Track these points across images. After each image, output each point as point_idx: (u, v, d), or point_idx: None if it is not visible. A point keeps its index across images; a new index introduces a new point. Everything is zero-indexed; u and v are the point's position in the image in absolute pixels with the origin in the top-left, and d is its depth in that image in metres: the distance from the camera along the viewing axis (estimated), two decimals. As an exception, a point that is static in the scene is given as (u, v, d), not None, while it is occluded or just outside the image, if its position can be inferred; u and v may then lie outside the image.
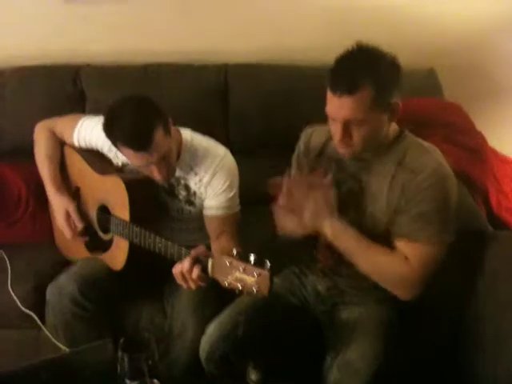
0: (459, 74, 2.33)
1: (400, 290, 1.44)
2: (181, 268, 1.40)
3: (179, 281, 1.43)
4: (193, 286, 1.41)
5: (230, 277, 1.30)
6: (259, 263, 1.26)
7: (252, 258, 1.27)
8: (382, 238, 1.44)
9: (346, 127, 1.34)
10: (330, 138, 1.55)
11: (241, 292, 1.30)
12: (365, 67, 1.31)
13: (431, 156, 1.42)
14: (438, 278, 1.41)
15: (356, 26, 2.24)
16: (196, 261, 1.39)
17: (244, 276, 1.27)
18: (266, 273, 1.24)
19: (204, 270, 1.37)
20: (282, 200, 1.45)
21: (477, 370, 1.51)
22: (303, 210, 1.42)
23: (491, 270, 1.54)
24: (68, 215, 1.79)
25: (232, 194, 1.71)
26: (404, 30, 2.28)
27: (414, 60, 2.13)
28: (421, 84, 2.19)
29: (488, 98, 2.38)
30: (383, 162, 1.44)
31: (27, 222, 2.06)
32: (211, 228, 1.74)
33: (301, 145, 1.64)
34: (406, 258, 1.40)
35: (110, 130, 1.56)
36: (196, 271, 1.38)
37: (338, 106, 1.33)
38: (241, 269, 1.27)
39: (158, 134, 1.53)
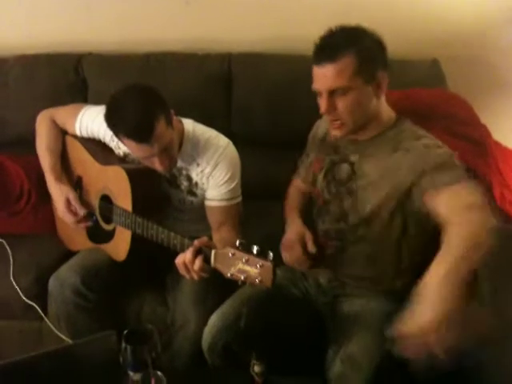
0: (463, 64, 2.31)
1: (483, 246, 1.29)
2: (183, 258, 1.40)
3: (182, 271, 1.43)
4: (195, 276, 1.41)
5: (232, 268, 1.30)
6: (262, 254, 1.26)
7: (255, 249, 1.26)
8: (380, 219, 1.45)
9: (331, 98, 1.39)
10: None
11: (243, 283, 1.30)
12: (347, 38, 1.38)
13: (425, 136, 1.45)
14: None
15: (360, 17, 2.16)
16: (198, 251, 1.39)
17: (247, 267, 1.27)
18: (269, 264, 1.24)
19: (207, 260, 1.37)
20: None
21: (481, 358, 1.51)
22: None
23: (494, 264, 1.53)
24: (68, 203, 1.78)
25: (234, 184, 1.71)
26: (408, 21, 2.26)
27: (418, 50, 2.13)
28: (424, 74, 2.18)
29: (492, 89, 2.36)
30: (378, 146, 1.46)
31: (29, 212, 2.06)
32: (212, 218, 1.74)
33: (310, 133, 1.71)
34: (458, 227, 1.25)
35: (111, 121, 1.55)
36: (198, 262, 1.38)
37: (321, 76, 1.38)
38: (244, 260, 1.27)
39: (160, 126, 1.52)
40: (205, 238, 1.42)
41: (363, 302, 1.55)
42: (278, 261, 1.26)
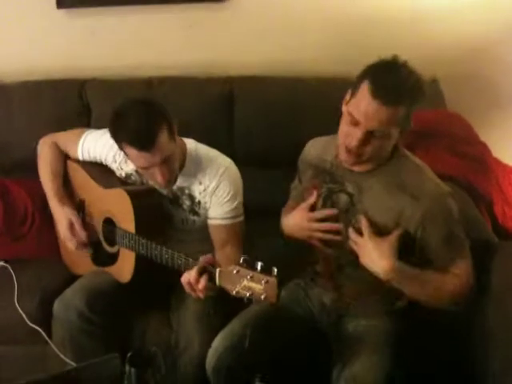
0: (462, 84, 2.33)
1: (454, 305, 1.45)
2: (188, 277, 1.41)
3: (187, 290, 1.44)
4: (201, 295, 1.42)
5: (237, 285, 1.30)
6: (266, 270, 1.26)
7: (259, 265, 1.27)
8: None
9: (367, 135, 1.33)
10: (325, 151, 1.57)
11: (249, 300, 1.30)
12: (410, 86, 1.31)
13: (426, 176, 1.44)
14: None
15: (361, 39, 2.24)
16: (203, 270, 1.39)
17: (252, 284, 1.28)
18: (273, 280, 1.25)
19: (211, 279, 1.38)
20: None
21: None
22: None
23: (498, 282, 1.53)
24: (71, 226, 1.79)
25: (236, 203, 1.72)
26: (407, 41, 2.27)
27: (417, 69, 2.14)
28: (423, 94, 2.19)
29: (491, 108, 2.38)
30: (377, 179, 1.45)
31: (33, 237, 2.07)
32: (216, 237, 1.74)
33: (300, 157, 1.67)
34: (456, 274, 1.43)
35: (115, 128, 1.57)
36: (203, 281, 1.39)
37: (373, 113, 1.29)
38: (248, 277, 1.28)
39: (163, 136, 1.54)
40: (209, 256, 1.43)
41: (367, 323, 1.55)
42: (282, 277, 1.26)
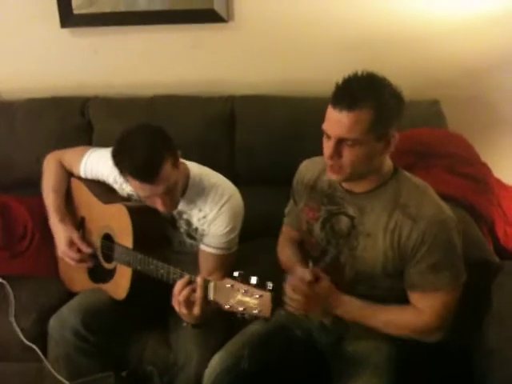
0: (463, 105, 2.34)
1: (423, 338, 1.46)
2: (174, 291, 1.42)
3: (175, 306, 1.43)
4: (183, 310, 1.41)
5: (231, 300, 1.30)
6: (261, 285, 1.26)
7: (254, 280, 1.27)
8: (378, 277, 1.45)
9: (338, 145, 1.35)
10: (322, 171, 1.56)
11: (242, 315, 1.29)
12: (370, 90, 1.32)
13: (427, 198, 1.42)
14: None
15: (363, 58, 2.22)
16: (188, 283, 1.40)
17: (246, 298, 1.27)
18: (267, 294, 1.24)
19: (205, 294, 1.37)
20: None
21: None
22: (310, 308, 1.45)
23: (498, 302, 1.52)
24: (71, 243, 1.79)
25: (233, 235, 1.71)
26: (409, 62, 2.30)
27: (419, 91, 2.16)
28: (425, 115, 2.20)
29: (492, 128, 2.38)
30: (377, 200, 1.43)
31: (32, 254, 2.06)
32: (203, 264, 1.73)
33: (295, 179, 1.66)
34: (419, 310, 1.42)
35: (118, 158, 1.56)
36: (185, 292, 1.39)
37: (335, 121, 1.33)
38: (242, 291, 1.27)
39: (166, 167, 1.53)
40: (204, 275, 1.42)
41: (367, 343, 1.53)
42: (277, 291, 1.26)
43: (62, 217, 1.84)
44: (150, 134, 1.56)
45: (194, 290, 1.39)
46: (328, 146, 1.37)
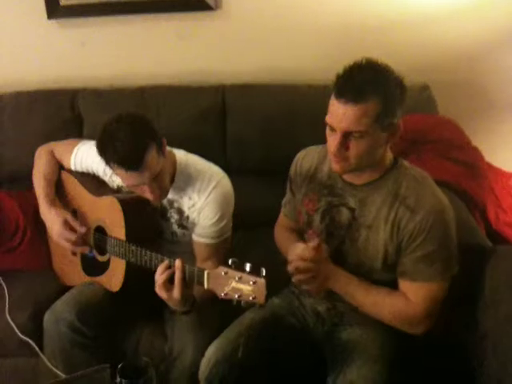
0: (453, 89, 2.34)
1: (406, 328, 1.46)
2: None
3: (157, 291, 1.47)
4: (164, 295, 1.46)
5: (226, 287, 1.31)
6: (255, 271, 1.26)
7: (248, 266, 1.28)
8: (379, 270, 1.45)
9: (345, 139, 1.32)
10: (321, 161, 1.56)
11: (238, 303, 1.30)
12: (375, 81, 1.29)
13: (426, 190, 1.41)
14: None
15: (352, 45, 2.25)
16: (168, 267, 1.45)
17: (240, 285, 1.28)
18: (261, 280, 1.25)
19: (200, 282, 1.39)
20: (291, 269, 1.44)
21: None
22: (312, 279, 1.43)
23: (491, 285, 1.52)
24: (66, 223, 1.77)
25: (223, 223, 1.70)
26: (398, 47, 2.29)
27: (408, 76, 2.13)
28: (415, 100, 2.19)
29: (482, 112, 2.38)
30: (378, 192, 1.43)
31: (25, 249, 2.05)
32: (198, 252, 1.74)
33: (292, 169, 1.64)
34: (408, 297, 1.42)
35: (102, 149, 1.56)
36: (163, 276, 1.44)
37: (340, 114, 1.30)
38: (236, 278, 1.28)
39: (151, 155, 1.53)
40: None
41: (362, 331, 1.54)
42: (270, 277, 1.26)
43: (52, 201, 1.83)
44: (131, 122, 1.55)
45: (173, 274, 1.43)
46: (334, 139, 1.34)
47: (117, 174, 1.61)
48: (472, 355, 1.55)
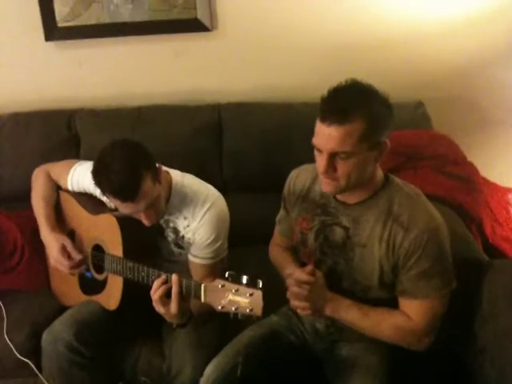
0: (447, 106, 2.37)
1: (408, 346, 1.45)
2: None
3: (154, 306, 1.48)
4: (162, 309, 1.47)
5: (223, 300, 1.31)
6: (251, 283, 1.27)
7: (244, 279, 1.28)
8: (375, 288, 1.45)
9: (332, 159, 1.33)
10: (314, 181, 1.56)
11: (235, 316, 1.30)
12: (358, 100, 1.30)
13: (419, 207, 1.41)
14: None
15: (346, 63, 2.28)
16: (164, 282, 1.46)
17: (237, 298, 1.28)
18: (258, 292, 1.25)
19: (196, 295, 1.40)
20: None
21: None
22: (307, 307, 1.43)
23: (488, 299, 1.52)
24: (64, 250, 1.77)
25: (218, 244, 1.70)
26: (392, 65, 2.32)
27: (403, 93, 2.17)
28: (410, 116, 2.22)
29: (476, 127, 2.41)
30: (371, 211, 1.43)
31: (23, 269, 2.05)
32: (194, 272, 1.73)
33: (285, 188, 1.65)
34: (408, 315, 1.42)
35: (98, 180, 1.55)
36: (159, 291, 1.45)
37: (326, 136, 1.30)
38: (233, 290, 1.28)
39: (146, 185, 1.52)
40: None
41: (361, 346, 1.53)
42: (268, 294, 1.26)
43: (52, 226, 1.83)
44: (126, 152, 1.54)
45: (170, 288, 1.44)
46: (321, 160, 1.35)
47: (112, 202, 1.61)
48: (470, 368, 1.55)
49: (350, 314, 1.45)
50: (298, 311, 1.46)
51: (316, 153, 1.37)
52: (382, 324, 1.44)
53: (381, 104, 1.32)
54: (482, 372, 1.47)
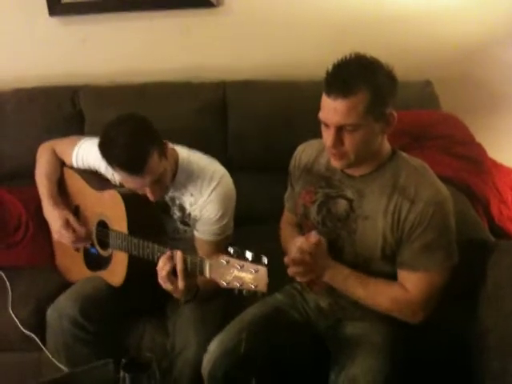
0: (456, 85, 2.34)
1: (404, 317, 1.46)
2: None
3: (161, 282, 1.49)
4: (167, 285, 1.47)
5: (228, 276, 1.31)
6: (256, 260, 1.26)
7: (249, 254, 1.28)
8: (377, 260, 1.45)
9: (339, 133, 1.34)
10: (319, 154, 1.56)
11: (240, 291, 1.30)
12: (362, 73, 1.31)
13: (426, 180, 1.41)
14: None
15: (354, 40, 2.22)
16: (169, 258, 1.45)
17: (242, 274, 1.28)
18: (263, 268, 1.25)
19: (201, 272, 1.39)
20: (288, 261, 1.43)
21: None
22: (308, 272, 1.42)
23: (493, 281, 1.52)
24: (67, 224, 1.78)
25: (225, 221, 1.70)
26: (400, 43, 2.29)
27: (411, 72, 2.15)
28: (418, 96, 2.20)
29: (484, 108, 2.39)
30: (376, 183, 1.43)
31: (27, 244, 2.06)
32: (199, 249, 1.74)
33: (291, 163, 1.65)
34: (406, 287, 1.42)
35: (104, 152, 1.55)
36: (166, 267, 1.45)
37: (331, 110, 1.32)
38: (238, 266, 1.28)
39: (153, 159, 1.52)
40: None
41: (365, 325, 1.54)
42: (273, 273, 1.26)
43: (55, 201, 1.84)
44: (132, 126, 1.54)
45: (176, 265, 1.44)
46: (328, 135, 1.36)
47: (118, 175, 1.61)
48: (473, 349, 1.55)
49: (347, 282, 1.46)
50: (297, 278, 1.45)
51: (323, 127, 1.38)
52: (379, 295, 1.45)
53: (384, 75, 1.33)
54: (485, 352, 1.48)
